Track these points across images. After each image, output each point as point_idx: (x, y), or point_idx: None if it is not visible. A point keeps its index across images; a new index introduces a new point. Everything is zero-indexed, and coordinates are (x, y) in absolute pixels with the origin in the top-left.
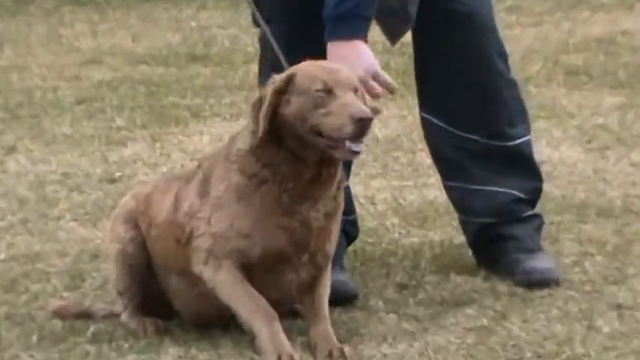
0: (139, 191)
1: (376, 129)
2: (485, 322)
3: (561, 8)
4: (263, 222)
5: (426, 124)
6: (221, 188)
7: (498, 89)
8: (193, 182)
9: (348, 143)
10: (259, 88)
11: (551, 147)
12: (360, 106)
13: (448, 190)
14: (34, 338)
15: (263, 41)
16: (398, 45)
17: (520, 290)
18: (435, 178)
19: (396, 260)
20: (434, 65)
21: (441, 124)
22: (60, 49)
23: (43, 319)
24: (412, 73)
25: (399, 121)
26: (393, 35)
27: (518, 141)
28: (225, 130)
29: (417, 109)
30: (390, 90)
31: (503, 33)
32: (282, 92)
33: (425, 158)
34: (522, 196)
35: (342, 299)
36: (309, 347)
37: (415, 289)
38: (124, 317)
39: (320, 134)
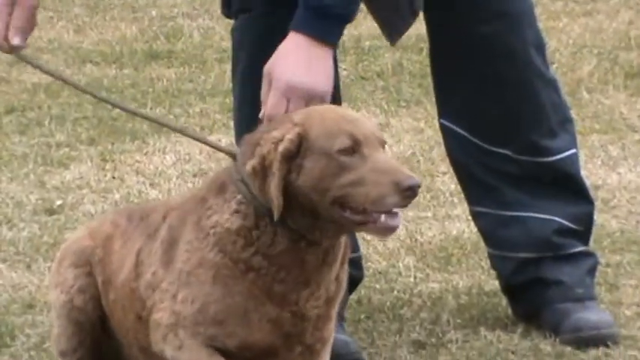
0: (96, 227)
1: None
2: None
3: None
4: (245, 313)
5: (446, 134)
6: (192, 262)
7: (535, 91)
8: (157, 241)
9: (384, 217)
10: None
11: (607, 168)
12: (405, 171)
13: (476, 217)
14: None
15: (237, 35)
16: (412, 39)
17: (568, 350)
18: (460, 208)
19: (411, 312)
20: (454, 62)
21: (465, 133)
22: None
23: None
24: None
25: (414, 135)
26: (395, 30)
27: (560, 156)
28: (194, 148)
29: (436, 120)
30: None
31: (547, 25)
32: (292, 157)
33: (448, 183)
34: (569, 224)
35: None
36: None
37: (435, 348)
38: None
39: (343, 207)
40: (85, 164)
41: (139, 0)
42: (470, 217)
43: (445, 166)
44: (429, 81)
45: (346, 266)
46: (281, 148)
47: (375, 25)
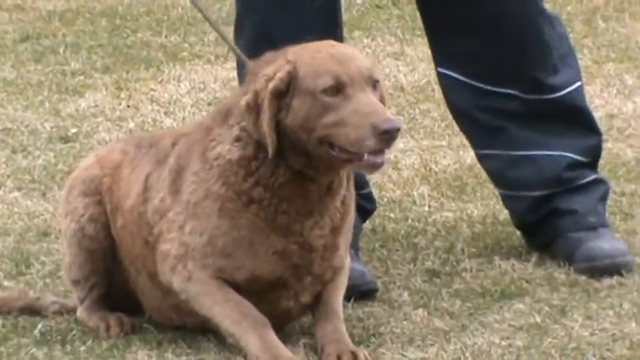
0: (105, 155)
1: (400, 74)
2: (538, 319)
3: None
4: (251, 245)
5: (446, 83)
6: (199, 194)
7: (539, 28)
8: (165, 169)
9: (367, 156)
10: (249, 67)
11: (623, 97)
12: (384, 113)
13: (483, 159)
14: None
15: None
16: None
17: (582, 279)
18: None
19: (425, 241)
20: (453, 5)
21: (466, 79)
22: None
23: None
24: None
25: (429, 63)
26: None
27: (566, 90)
28: (208, 76)
29: None
30: None
31: None
32: (282, 95)
33: None
34: (580, 158)
35: (357, 294)
36: (316, 351)
37: (449, 277)
38: (80, 313)
39: (332, 145)
40: (100, 92)
41: None
42: None
43: None
44: None
45: (352, 191)
46: (270, 86)
47: None
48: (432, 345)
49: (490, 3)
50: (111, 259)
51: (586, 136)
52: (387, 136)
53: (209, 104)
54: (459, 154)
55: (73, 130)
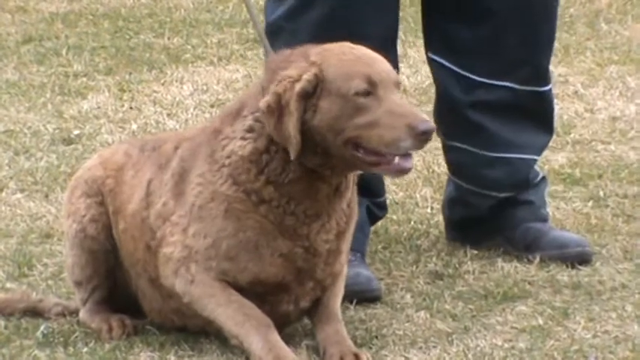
0: (108, 157)
1: (403, 76)
2: (541, 321)
3: None
4: (257, 247)
5: (434, 69)
6: (205, 196)
7: (553, 14)
8: (168, 173)
9: (397, 159)
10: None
11: (625, 99)
12: (419, 114)
13: (453, 151)
14: None
15: None
16: None
17: (585, 280)
18: None
19: (428, 243)
20: None
21: (457, 69)
22: None
23: None
24: None
25: None
26: None
27: (551, 84)
28: (211, 78)
29: None
30: None
31: None
32: (307, 96)
33: None
34: (538, 157)
35: (363, 300)
36: (318, 353)
37: (452, 279)
38: (82, 314)
39: (358, 147)
40: (103, 94)
41: None
42: None
43: None
44: None
45: (355, 195)
46: (298, 87)
47: None
48: (434, 347)
49: None
50: (113, 261)
51: (546, 135)
52: (424, 137)
53: (212, 106)
54: None
55: (76, 132)
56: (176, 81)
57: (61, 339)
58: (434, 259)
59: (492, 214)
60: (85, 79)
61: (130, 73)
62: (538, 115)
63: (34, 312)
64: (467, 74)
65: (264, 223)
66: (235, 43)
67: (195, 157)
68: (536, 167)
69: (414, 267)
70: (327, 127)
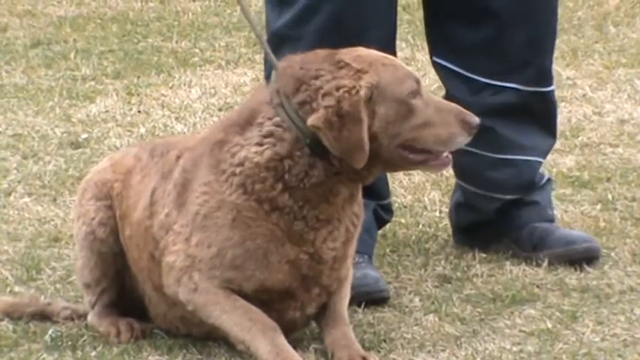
0: (119, 160)
1: None
2: (549, 324)
3: None
4: (266, 255)
5: (440, 73)
6: (210, 205)
7: (555, 13)
8: (170, 183)
9: (446, 153)
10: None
11: (634, 102)
12: (462, 109)
13: (459, 154)
14: None
15: None
16: None
17: (593, 284)
18: None
19: (436, 246)
20: None
21: (463, 72)
22: None
23: None
24: None
25: None
26: None
27: (553, 85)
28: (219, 81)
29: None
30: None
31: None
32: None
33: None
34: (543, 160)
35: (370, 301)
36: (326, 356)
37: (460, 282)
38: (91, 318)
39: (406, 149)
40: (111, 98)
41: None
42: None
43: None
44: None
45: (361, 198)
46: (363, 95)
47: None
48: (442, 350)
49: None
50: (121, 264)
51: (550, 139)
52: (474, 130)
53: (220, 109)
54: None
55: (84, 136)
56: (184, 84)
57: (70, 343)
58: (442, 262)
59: (499, 216)
60: (93, 82)
61: (138, 77)
62: (542, 116)
63: (43, 316)
64: (473, 76)
65: (275, 230)
66: (243, 46)
67: (197, 168)
68: (542, 170)
69: (423, 270)
70: (383, 133)
